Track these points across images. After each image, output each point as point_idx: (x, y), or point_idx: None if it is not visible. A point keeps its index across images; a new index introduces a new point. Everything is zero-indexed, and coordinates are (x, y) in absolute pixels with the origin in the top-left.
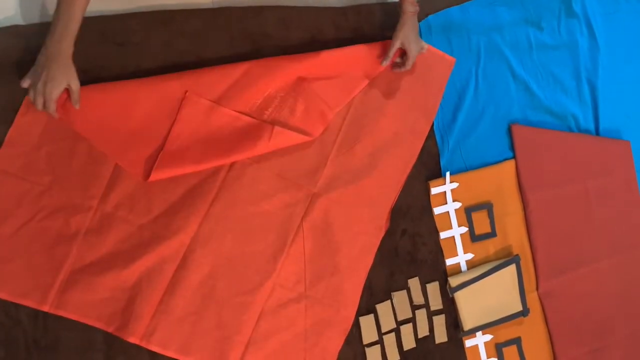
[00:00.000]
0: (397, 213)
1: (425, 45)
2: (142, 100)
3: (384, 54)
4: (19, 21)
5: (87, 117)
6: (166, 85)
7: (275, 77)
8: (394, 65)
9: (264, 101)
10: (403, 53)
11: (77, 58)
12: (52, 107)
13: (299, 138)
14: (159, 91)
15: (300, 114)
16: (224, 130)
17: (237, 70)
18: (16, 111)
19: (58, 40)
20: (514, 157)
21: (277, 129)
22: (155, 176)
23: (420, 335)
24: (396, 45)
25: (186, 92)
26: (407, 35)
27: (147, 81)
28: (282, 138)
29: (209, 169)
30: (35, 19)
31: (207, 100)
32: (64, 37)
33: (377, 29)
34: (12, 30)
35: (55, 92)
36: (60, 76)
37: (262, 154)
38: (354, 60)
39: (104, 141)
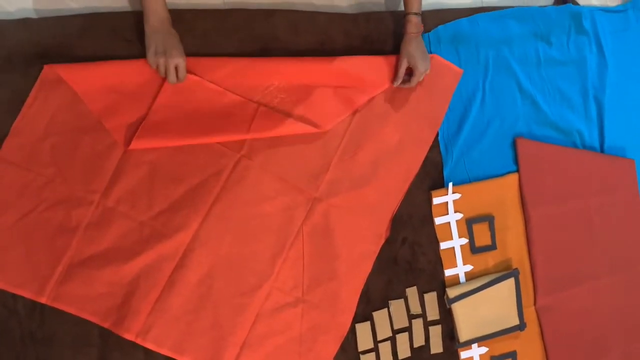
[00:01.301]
0: (398, 221)
1: (429, 66)
2: (136, 71)
3: (391, 68)
4: (31, 14)
5: (86, 78)
6: None
7: (279, 72)
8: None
9: (259, 89)
10: (410, 70)
11: (86, 53)
12: (183, 73)
13: (287, 126)
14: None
15: (299, 109)
16: (208, 105)
17: (240, 61)
18: (23, 102)
19: (158, 15)
20: (517, 170)
21: (262, 109)
22: (135, 144)
23: (415, 345)
24: (404, 64)
25: None
26: (412, 53)
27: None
28: (267, 121)
29: (212, 169)
30: (47, 13)
31: (192, 74)
32: (160, 10)
33: (387, 36)
34: (23, 23)
35: (181, 59)
36: (178, 44)
37: (264, 155)
38: (362, 71)
39: (94, 102)
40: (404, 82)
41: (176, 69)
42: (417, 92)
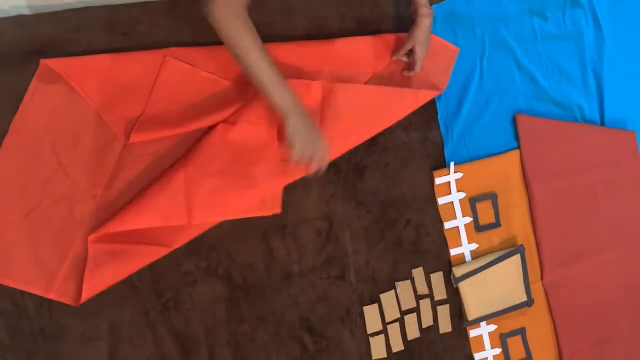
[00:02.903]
0: (402, 203)
1: (427, 50)
2: (133, 64)
3: (388, 47)
4: (26, 11)
5: (83, 73)
6: (159, 54)
7: (277, 57)
8: (404, 68)
9: None
10: (410, 52)
11: (81, 47)
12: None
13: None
14: (150, 56)
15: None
16: (203, 93)
17: None
18: (21, 99)
19: (298, 110)
20: (519, 147)
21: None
22: (135, 138)
23: (424, 326)
24: (408, 47)
25: (165, 56)
26: (421, 40)
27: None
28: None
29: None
30: (42, 9)
31: (186, 63)
32: (297, 104)
33: (382, 18)
34: (18, 20)
35: (327, 151)
36: (317, 135)
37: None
38: (359, 52)
39: (93, 96)
40: (407, 69)
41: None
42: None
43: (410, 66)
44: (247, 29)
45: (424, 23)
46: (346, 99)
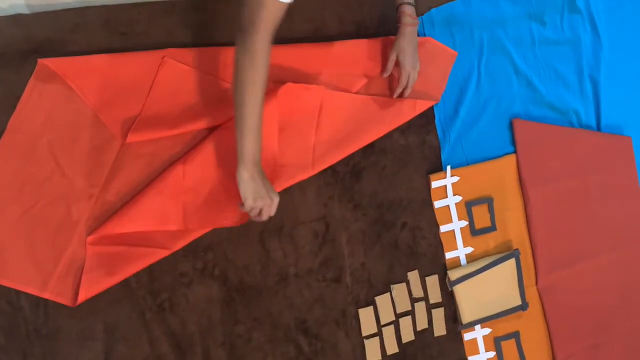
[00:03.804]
0: (398, 206)
1: (418, 67)
2: (131, 64)
3: (386, 50)
4: (24, 10)
5: (81, 72)
6: (157, 54)
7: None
8: (392, 86)
9: None
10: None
11: (80, 46)
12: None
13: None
14: (148, 56)
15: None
16: (200, 94)
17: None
18: (18, 98)
19: (255, 162)
20: (515, 151)
21: None
22: (132, 138)
23: (419, 328)
24: (392, 58)
25: (163, 57)
26: (403, 48)
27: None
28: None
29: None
30: (40, 8)
31: (183, 64)
32: (257, 156)
33: (381, 22)
34: (16, 19)
35: (276, 204)
36: (270, 192)
37: None
38: (358, 55)
39: (90, 96)
40: (398, 93)
41: None
42: None
43: (398, 81)
44: (266, 66)
45: (406, 31)
46: (344, 106)
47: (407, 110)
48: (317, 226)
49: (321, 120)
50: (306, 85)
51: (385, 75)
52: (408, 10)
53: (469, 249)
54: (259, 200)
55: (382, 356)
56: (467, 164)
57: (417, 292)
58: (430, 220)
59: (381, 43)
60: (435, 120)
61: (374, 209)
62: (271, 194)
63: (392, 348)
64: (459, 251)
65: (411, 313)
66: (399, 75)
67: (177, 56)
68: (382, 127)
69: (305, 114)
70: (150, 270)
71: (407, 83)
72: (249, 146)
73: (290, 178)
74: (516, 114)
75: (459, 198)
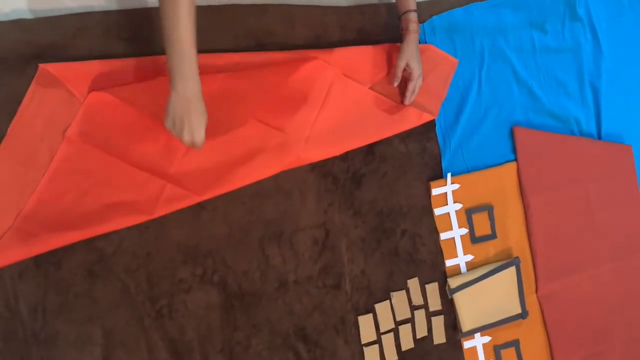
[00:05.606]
0: (398, 213)
1: (422, 71)
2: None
3: (388, 57)
4: (26, 14)
5: (82, 77)
6: (158, 60)
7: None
8: (406, 97)
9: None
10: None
11: (81, 52)
12: (201, 144)
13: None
14: (150, 62)
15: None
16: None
17: (234, 56)
18: (19, 103)
19: (187, 83)
20: (515, 159)
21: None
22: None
23: (418, 336)
24: (402, 65)
25: (164, 62)
26: (411, 55)
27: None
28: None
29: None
30: (42, 13)
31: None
32: (190, 77)
33: (381, 28)
34: (18, 24)
35: (203, 134)
36: (201, 118)
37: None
38: (359, 62)
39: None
40: (405, 96)
41: None
42: None
43: (406, 87)
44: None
45: (412, 38)
46: (353, 94)
47: (412, 118)
48: (317, 233)
49: (328, 99)
50: (324, 63)
51: (396, 84)
52: (413, 18)
53: (469, 257)
54: (178, 124)
55: None
56: (468, 171)
57: (417, 299)
58: (430, 227)
59: (383, 50)
60: (436, 128)
61: (374, 216)
62: (194, 131)
63: (391, 356)
64: (459, 259)
65: (411, 321)
66: (407, 82)
67: None
68: (383, 129)
69: (314, 88)
70: (149, 276)
71: (415, 89)
72: (176, 58)
73: (282, 146)
74: (517, 122)
75: (459, 205)
